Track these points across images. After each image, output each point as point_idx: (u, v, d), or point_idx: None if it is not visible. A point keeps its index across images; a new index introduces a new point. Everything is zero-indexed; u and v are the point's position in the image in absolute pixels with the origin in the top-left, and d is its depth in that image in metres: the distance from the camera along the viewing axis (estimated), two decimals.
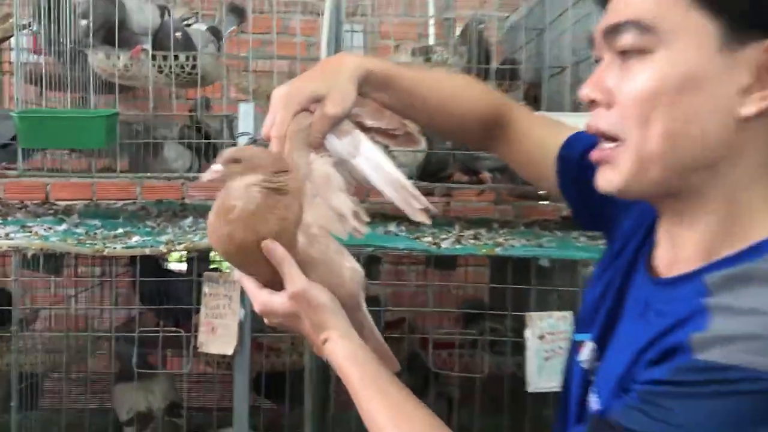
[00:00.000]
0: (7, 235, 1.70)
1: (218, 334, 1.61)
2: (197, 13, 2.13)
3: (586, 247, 1.80)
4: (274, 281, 0.84)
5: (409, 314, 2.26)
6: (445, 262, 2.29)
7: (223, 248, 0.84)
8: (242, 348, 1.64)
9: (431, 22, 2.75)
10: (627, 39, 0.67)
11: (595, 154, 0.72)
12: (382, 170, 0.89)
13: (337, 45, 2.08)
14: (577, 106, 1.84)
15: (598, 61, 0.73)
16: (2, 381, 2.10)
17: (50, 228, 1.86)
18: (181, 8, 2.21)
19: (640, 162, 0.67)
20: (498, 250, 1.60)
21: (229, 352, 1.63)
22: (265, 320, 0.89)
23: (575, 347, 0.83)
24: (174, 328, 1.88)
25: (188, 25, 2.06)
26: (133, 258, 2.02)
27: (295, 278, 0.82)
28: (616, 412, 0.64)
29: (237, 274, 0.89)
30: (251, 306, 1.69)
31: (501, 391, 1.82)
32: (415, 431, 0.79)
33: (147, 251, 1.62)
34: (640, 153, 0.67)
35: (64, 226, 1.91)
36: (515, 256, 1.61)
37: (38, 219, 2.02)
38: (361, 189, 0.92)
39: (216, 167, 0.84)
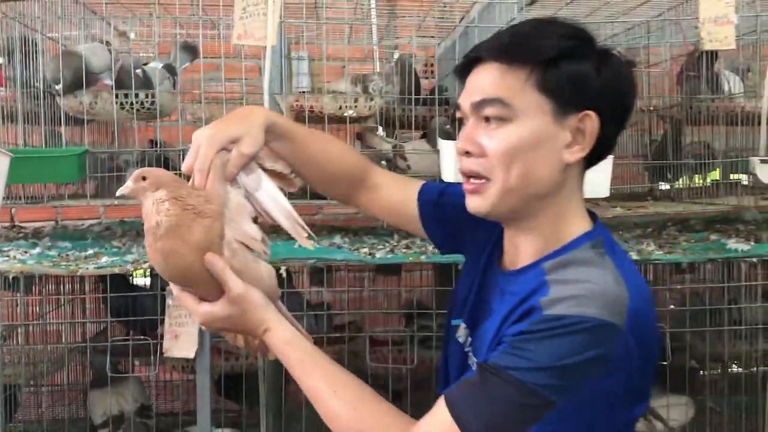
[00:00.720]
0: None
1: (181, 340, 1.83)
2: (154, 49, 2.33)
3: None
4: (207, 293, 1.01)
5: (359, 316, 2.48)
6: (390, 269, 2.51)
7: (162, 263, 0.98)
8: (203, 351, 1.87)
9: (375, 48, 2.95)
10: (492, 110, 0.98)
11: (468, 187, 1.02)
12: (278, 203, 1.08)
13: (281, 72, 2.29)
14: None
15: (461, 119, 1.02)
16: None
17: (26, 252, 2.06)
18: (116, 38, 2.38)
19: (503, 194, 0.99)
20: (422, 258, 1.85)
21: (191, 355, 1.86)
22: (203, 328, 1.09)
23: (452, 331, 1.11)
24: (142, 337, 2.08)
25: (146, 64, 2.28)
26: (102, 275, 2.21)
27: (235, 284, 1.01)
28: (492, 358, 0.93)
29: (176, 292, 1.05)
30: None
31: (430, 382, 2.07)
32: (348, 393, 0.99)
33: (116, 270, 1.84)
34: (504, 188, 0.98)
35: (38, 249, 2.10)
36: (436, 262, 1.86)
37: (12, 243, 2.21)
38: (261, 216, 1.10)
39: (127, 184, 0.99)
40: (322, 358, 1.04)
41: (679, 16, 2.14)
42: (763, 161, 1.91)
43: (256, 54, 2.44)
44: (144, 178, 0.99)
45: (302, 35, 2.48)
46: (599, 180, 1.87)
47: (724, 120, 2.28)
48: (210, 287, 1.01)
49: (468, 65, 1.02)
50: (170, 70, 2.29)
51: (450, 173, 1.92)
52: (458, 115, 1.04)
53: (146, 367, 2.34)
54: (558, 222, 1.01)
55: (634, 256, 1.98)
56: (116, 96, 2.10)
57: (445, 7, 2.45)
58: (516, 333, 0.92)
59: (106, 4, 2.22)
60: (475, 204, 1.02)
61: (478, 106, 0.99)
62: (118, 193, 1.02)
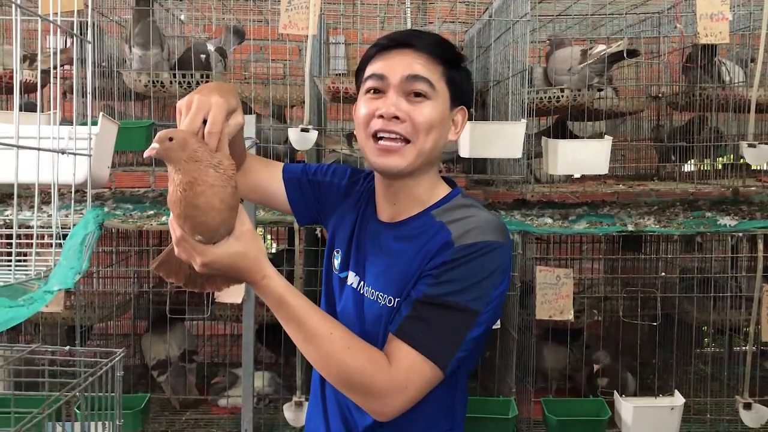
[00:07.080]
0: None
1: (230, 288, 2.09)
2: (209, 38, 2.59)
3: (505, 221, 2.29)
4: (214, 243, 1.08)
5: None
6: None
7: (199, 215, 1.02)
8: (248, 297, 2.16)
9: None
10: (421, 86, 1.23)
11: (386, 145, 1.25)
12: None
13: (320, 57, 2.52)
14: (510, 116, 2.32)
15: (377, 90, 1.26)
16: (55, 328, 2.61)
17: None
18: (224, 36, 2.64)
19: (418, 156, 1.24)
20: None
21: (239, 301, 2.14)
22: (201, 269, 1.10)
23: (342, 281, 1.35)
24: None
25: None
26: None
27: (248, 220, 1.12)
28: (423, 291, 1.16)
29: (183, 238, 1.07)
30: None
31: None
32: (342, 334, 1.16)
33: None
34: (420, 150, 1.24)
35: (105, 209, 2.39)
36: None
37: (80, 204, 2.49)
38: None
39: (154, 145, 1.00)
40: (314, 305, 1.16)
41: (678, 13, 2.32)
42: (750, 145, 2.11)
43: (298, 37, 2.65)
44: (171, 139, 1.00)
45: (340, 21, 2.68)
46: (598, 160, 2.09)
47: (719, 107, 2.45)
48: (219, 239, 1.08)
49: (391, 47, 1.26)
50: (222, 53, 2.55)
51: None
52: (374, 84, 1.25)
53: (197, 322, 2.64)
54: (432, 183, 1.31)
55: (629, 227, 2.20)
56: (174, 76, 2.38)
57: None
58: (437, 265, 1.16)
59: None
60: (393, 162, 1.24)
61: (411, 79, 1.23)
62: (146, 154, 1.02)
